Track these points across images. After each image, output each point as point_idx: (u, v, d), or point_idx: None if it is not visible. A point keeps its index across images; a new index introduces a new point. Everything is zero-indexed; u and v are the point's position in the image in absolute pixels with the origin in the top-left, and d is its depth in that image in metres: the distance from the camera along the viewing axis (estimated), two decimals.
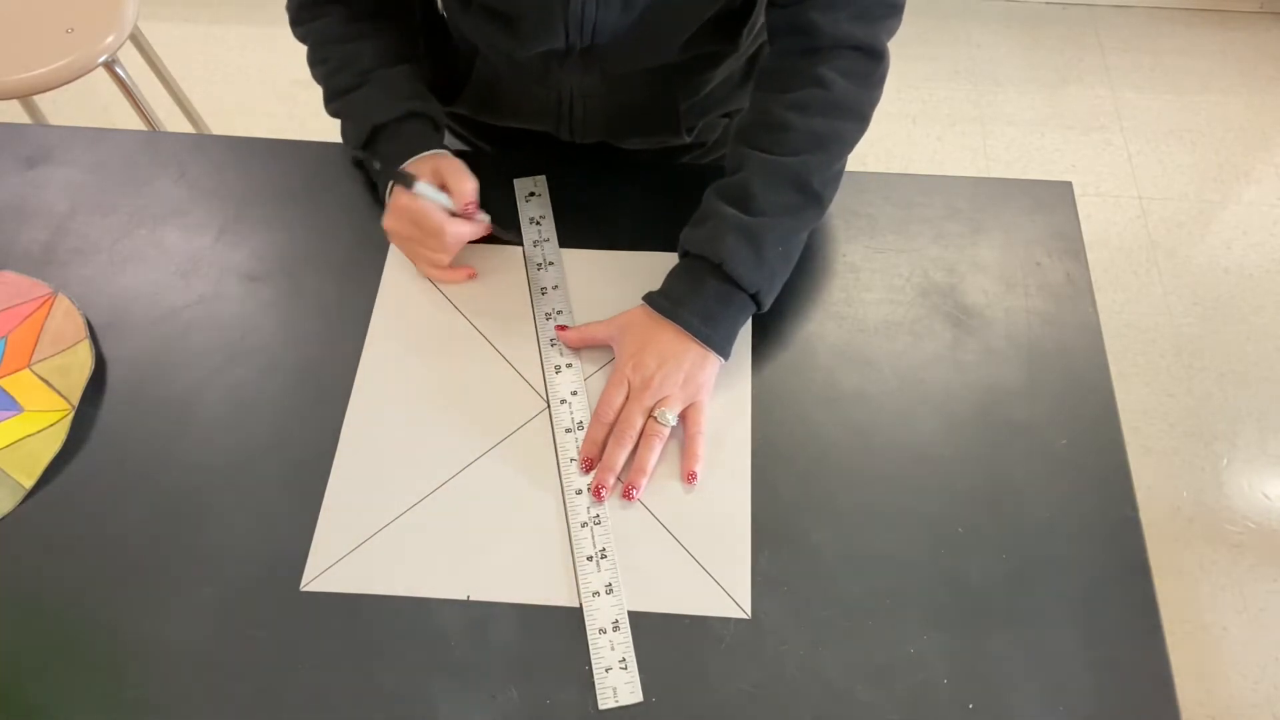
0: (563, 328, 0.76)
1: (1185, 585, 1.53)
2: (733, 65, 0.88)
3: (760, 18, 0.84)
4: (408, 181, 0.74)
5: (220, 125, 2.12)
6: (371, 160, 0.80)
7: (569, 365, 0.75)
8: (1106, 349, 0.76)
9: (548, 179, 0.86)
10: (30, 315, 0.78)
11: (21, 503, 0.70)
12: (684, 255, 0.74)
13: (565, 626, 0.64)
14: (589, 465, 0.70)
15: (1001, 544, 0.67)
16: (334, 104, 0.81)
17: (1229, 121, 2.16)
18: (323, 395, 0.74)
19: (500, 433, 0.72)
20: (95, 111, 2.19)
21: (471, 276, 0.79)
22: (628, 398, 0.71)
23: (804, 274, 0.80)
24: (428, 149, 0.78)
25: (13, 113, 1.63)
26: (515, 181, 0.86)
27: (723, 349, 0.72)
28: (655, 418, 0.70)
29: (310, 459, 0.71)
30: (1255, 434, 1.69)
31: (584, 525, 0.67)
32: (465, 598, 0.65)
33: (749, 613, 0.64)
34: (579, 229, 0.83)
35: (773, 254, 0.72)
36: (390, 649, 0.63)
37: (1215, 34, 2.33)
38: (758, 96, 0.76)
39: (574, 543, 0.67)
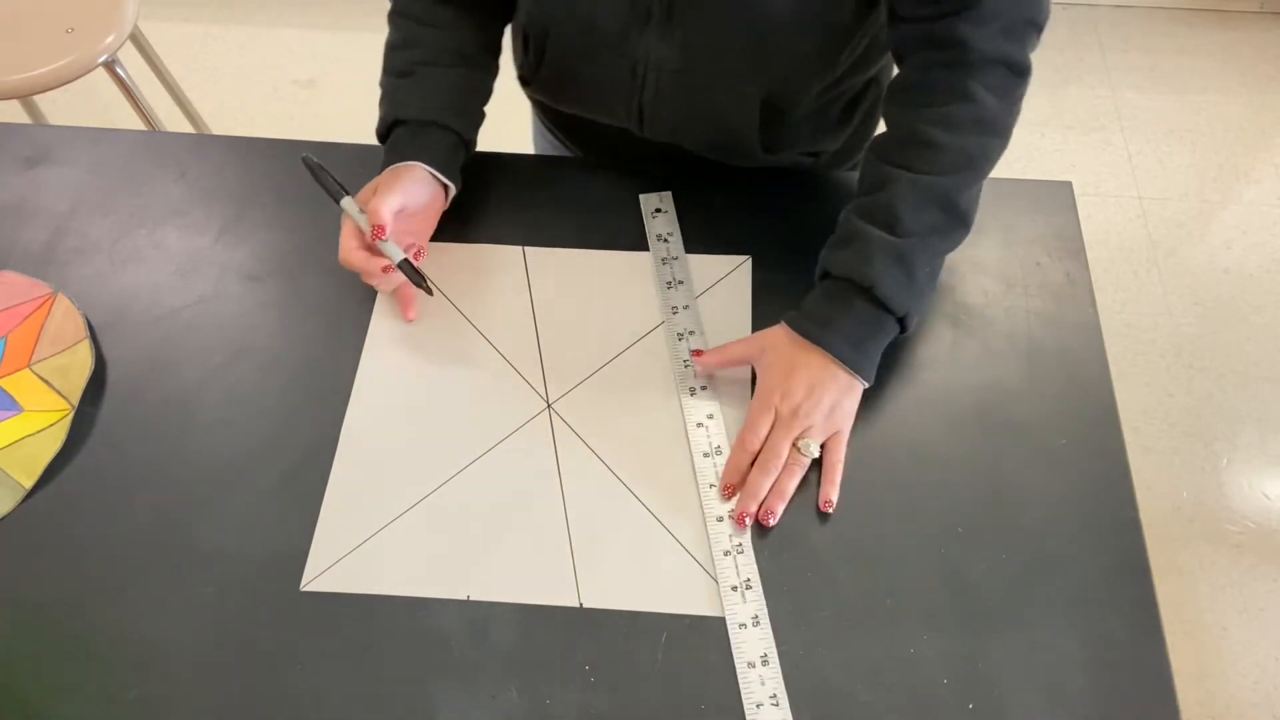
0: (698, 352, 0.74)
1: (1185, 585, 1.53)
2: (823, 99, 0.85)
3: (862, 46, 0.81)
4: (335, 195, 0.74)
5: (220, 125, 2.12)
6: (387, 152, 0.79)
7: (704, 388, 0.74)
8: (1106, 349, 0.76)
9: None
10: (30, 315, 0.78)
11: (21, 503, 0.70)
12: (825, 277, 0.72)
13: (565, 626, 0.64)
14: (731, 492, 0.69)
15: (1001, 544, 0.67)
16: (382, 79, 0.81)
17: (1229, 121, 2.16)
18: (322, 395, 0.74)
19: (500, 433, 0.72)
20: (95, 111, 2.19)
21: (408, 319, 0.78)
22: (773, 425, 0.69)
23: (804, 274, 0.80)
24: (431, 162, 0.76)
25: (13, 113, 1.63)
26: (641, 197, 0.85)
27: (869, 375, 0.70)
28: (799, 448, 0.68)
29: (310, 459, 0.71)
30: (1255, 434, 1.69)
31: (727, 554, 0.66)
32: (465, 598, 0.65)
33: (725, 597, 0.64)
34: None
35: (922, 275, 0.70)
36: (390, 649, 0.63)
37: (1215, 34, 2.33)
38: (895, 111, 0.74)
39: (718, 572, 0.65)
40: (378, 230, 0.72)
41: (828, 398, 0.69)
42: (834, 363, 0.69)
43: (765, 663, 0.62)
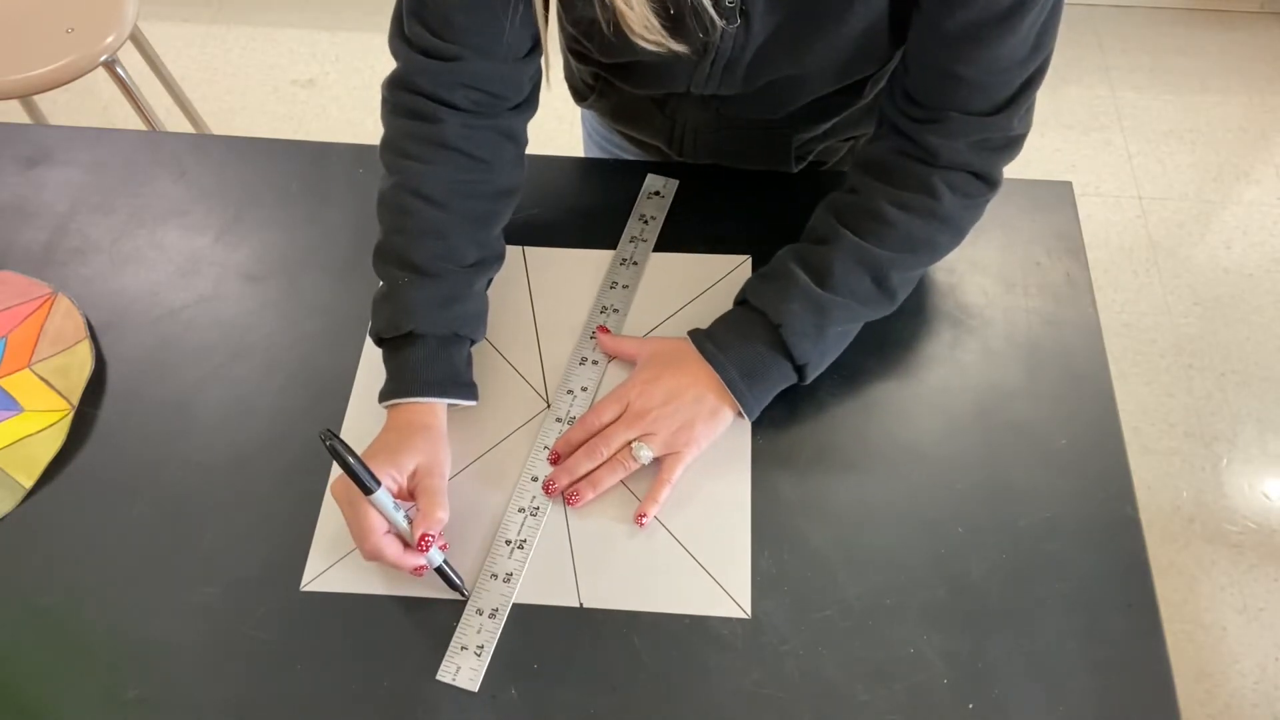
0: (604, 329, 0.76)
1: (1185, 585, 1.53)
2: (853, 108, 0.86)
3: (888, 71, 0.80)
4: (367, 488, 0.60)
5: (220, 125, 2.12)
6: (388, 359, 0.70)
7: (594, 363, 0.75)
8: (1106, 349, 0.76)
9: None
10: (30, 315, 0.78)
11: (21, 503, 0.70)
12: (741, 303, 0.72)
13: (565, 626, 0.64)
14: (555, 459, 0.70)
15: (1001, 544, 0.67)
16: (386, 267, 0.70)
17: (1229, 121, 2.16)
18: (322, 395, 0.74)
19: (500, 433, 0.72)
20: (95, 111, 2.19)
21: (417, 573, 0.65)
22: (619, 418, 0.69)
23: None
24: (460, 393, 0.69)
25: (13, 113, 1.63)
26: (649, 176, 0.86)
27: (749, 408, 0.69)
28: (632, 450, 0.68)
29: (310, 458, 0.71)
30: (1255, 434, 1.69)
31: (521, 510, 0.68)
32: (465, 598, 0.65)
33: (749, 613, 0.64)
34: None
35: (832, 333, 0.70)
36: (390, 649, 0.63)
37: (1215, 34, 2.33)
38: (859, 179, 0.74)
39: (503, 523, 0.67)
40: (425, 541, 0.63)
41: (683, 413, 0.69)
42: (714, 383, 0.69)
43: (493, 616, 0.64)
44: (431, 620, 0.64)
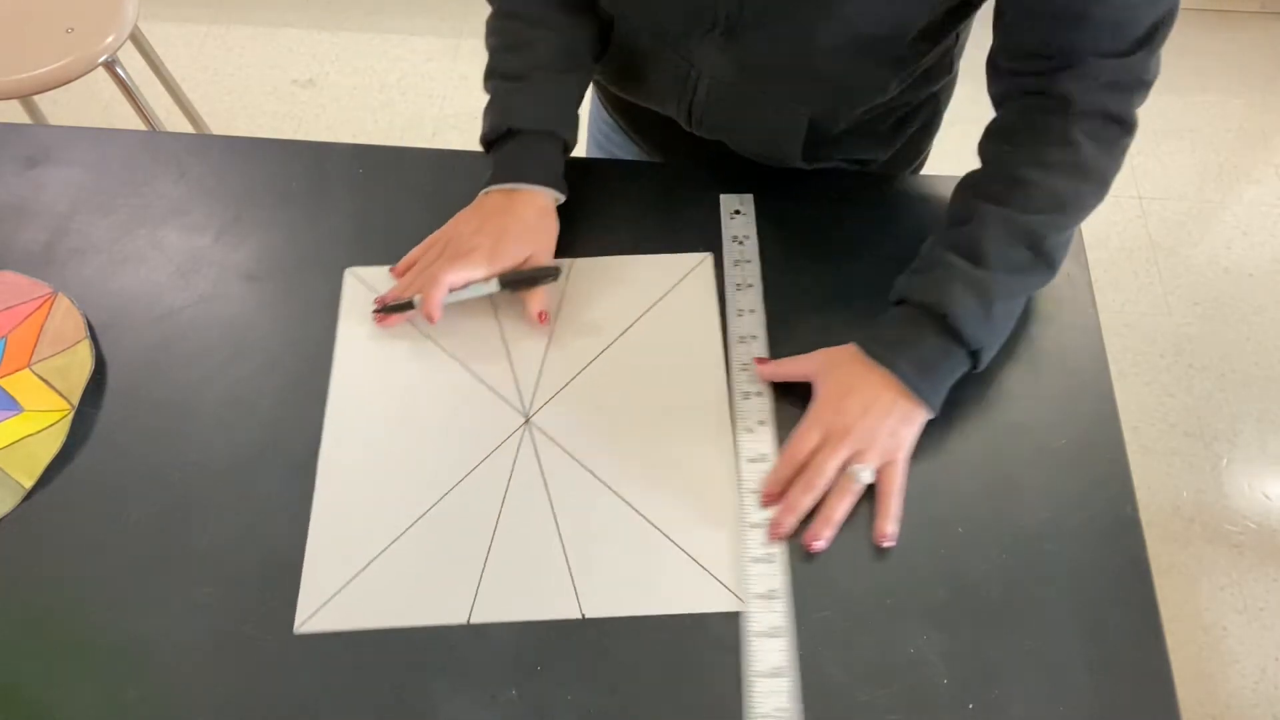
0: (761, 360, 0.74)
1: (1185, 585, 1.53)
2: (871, 114, 0.85)
3: (917, 73, 0.81)
4: (506, 282, 0.75)
5: (220, 125, 2.12)
6: (494, 156, 0.79)
7: (758, 394, 0.73)
8: (1106, 349, 0.76)
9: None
10: (30, 315, 0.78)
11: (21, 503, 0.70)
12: (899, 303, 0.71)
13: (566, 627, 0.64)
14: (770, 500, 0.67)
15: (1001, 544, 0.67)
16: (490, 82, 0.80)
17: (1229, 121, 2.16)
18: (322, 395, 0.74)
19: (480, 452, 0.71)
20: (95, 111, 2.19)
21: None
22: (823, 442, 0.67)
23: (804, 272, 0.80)
24: (548, 180, 0.78)
25: (13, 113, 1.63)
26: (722, 198, 0.84)
27: (934, 404, 0.68)
28: (850, 474, 0.67)
29: (309, 458, 0.71)
30: (1255, 434, 1.69)
31: (756, 561, 0.66)
32: (465, 621, 0.65)
33: (746, 601, 0.64)
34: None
35: (999, 311, 0.68)
36: (391, 648, 0.63)
37: (1215, 34, 2.33)
38: (992, 150, 0.73)
39: (747, 579, 0.65)
40: (430, 316, 0.74)
41: (885, 422, 0.67)
42: (897, 386, 0.68)
43: (777, 675, 0.62)
44: (431, 620, 0.64)
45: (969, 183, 0.73)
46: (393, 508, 0.69)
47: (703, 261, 0.81)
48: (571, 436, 0.72)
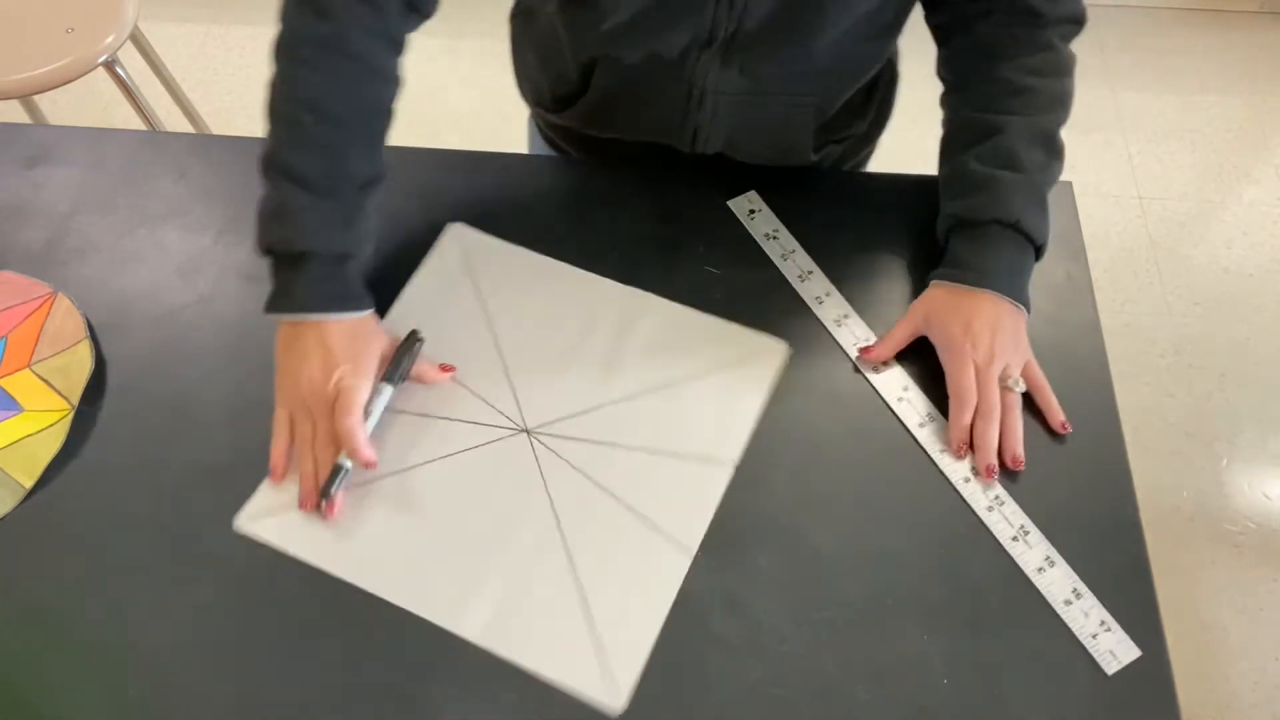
0: (866, 349, 0.75)
1: (1185, 585, 1.53)
2: (876, 67, 0.87)
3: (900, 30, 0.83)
4: (393, 380, 0.71)
5: (220, 125, 2.12)
6: (279, 272, 0.71)
7: (886, 364, 0.75)
8: (1106, 349, 0.76)
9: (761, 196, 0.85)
10: (30, 315, 0.78)
11: (21, 503, 0.70)
12: (958, 226, 0.76)
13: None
14: (963, 450, 0.71)
15: (1001, 544, 0.67)
16: (278, 179, 0.70)
17: (1229, 121, 2.16)
18: None
19: (469, 442, 0.71)
20: (95, 111, 2.19)
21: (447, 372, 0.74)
22: (976, 373, 0.72)
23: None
24: (348, 309, 0.71)
25: (13, 113, 1.63)
26: (730, 203, 0.84)
27: (1028, 302, 0.74)
28: (1009, 386, 0.71)
29: None
30: (1255, 434, 1.69)
31: (990, 509, 0.68)
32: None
33: (618, 708, 0.61)
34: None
35: (1045, 202, 0.76)
36: (392, 649, 0.63)
37: (1215, 34, 2.33)
38: (982, 66, 0.78)
39: (991, 527, 0.67)
40: (370, 464, 0.68)
41: (1009, 330, 0.73)
42: (1000, 300, 0.73)
43: (1079, 596, 0.64)
44: (432, 620, 0.64)
45: (969, 101, 0.79)
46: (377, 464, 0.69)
47: (776, 348, 0.76)
48: (557, 465, 0.70)
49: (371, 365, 0.70)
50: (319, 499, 0.67)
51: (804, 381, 0.74)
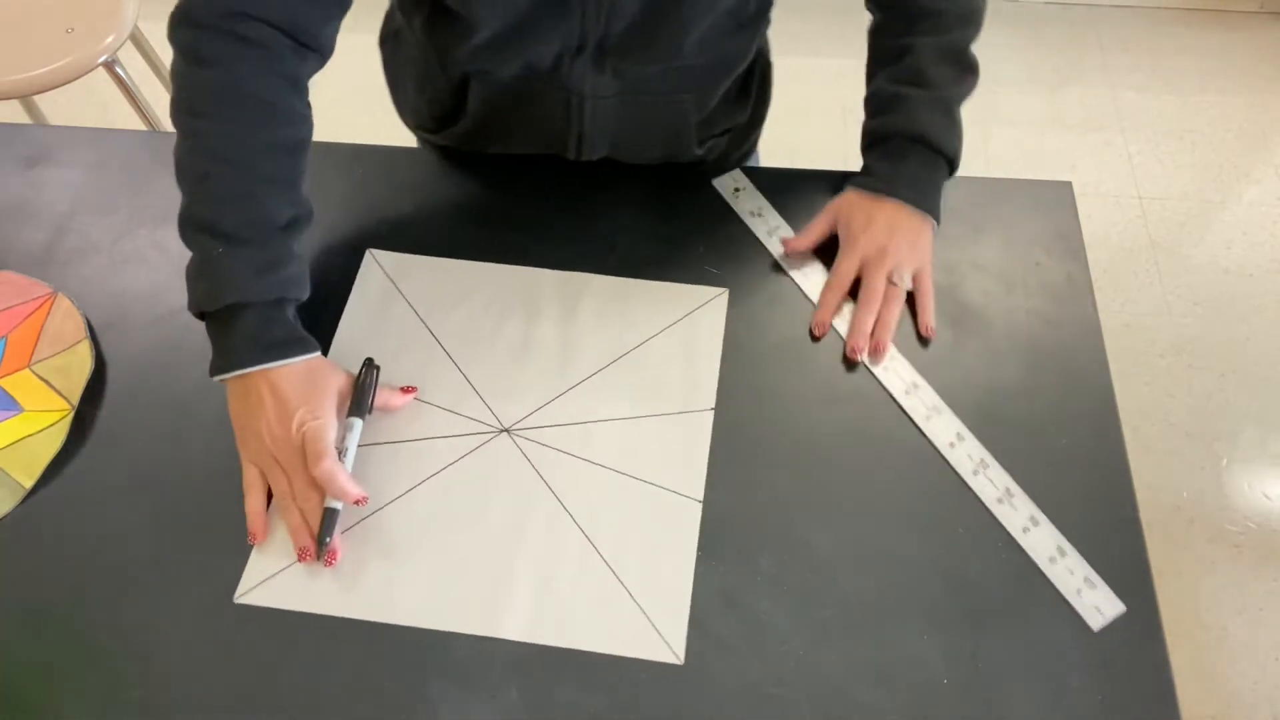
0: (787, 240, 0.81)
1: (1185, 585, 1.53)
2: (744, 65, 0.88)
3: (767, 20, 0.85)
4: (362, 412, 0.69)
5: None
6: (214, 332, 0.69)
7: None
8: (1106, 349, 0.76)
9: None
10: (30, 315, 0.78)
11: (21, 503, 0.70)
12: (874, 143, 0.81)
13: None
14: (823, 329, 0.76)
15: (1001, 544, 0.67)
16: (196, 236, 0.68)
17: (1229, 121, 2.16)
18: None
19: (454, 455, 0.71)
20: (95, 111, 2.19)
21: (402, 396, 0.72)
22: (863, 266, 0.77)
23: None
24: (292, 354, 0.68)
25: (13, 113, 1.63)
26: (715, 181, 0.86)
27: (937, 213, 0.79)
28: (894, 280, 0.76)
29: None
30: (1255, 434, 1.69)
31: (976, 473, 0.69)
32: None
33: (681, 658, 0.63)
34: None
35: (957, 118, 0.81)
36: (391, 648, 0.63)
37: (1215, 34, 2.33)
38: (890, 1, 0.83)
39: (978, 492, 0.69)
40: (360, 500, 0.66)
41: (907, 234, 0.78)
42: (905, 209, 0.78)
43: (1063, 554, 0.66)
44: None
45: (883, 31, 0.84)
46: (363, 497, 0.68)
47: (718, 296, 0.79)
48: (545, 455, 0.71)
49: (331, 404, 0.68)
50: (317, 549, 0.65)
51: (797, 374, 0.75)
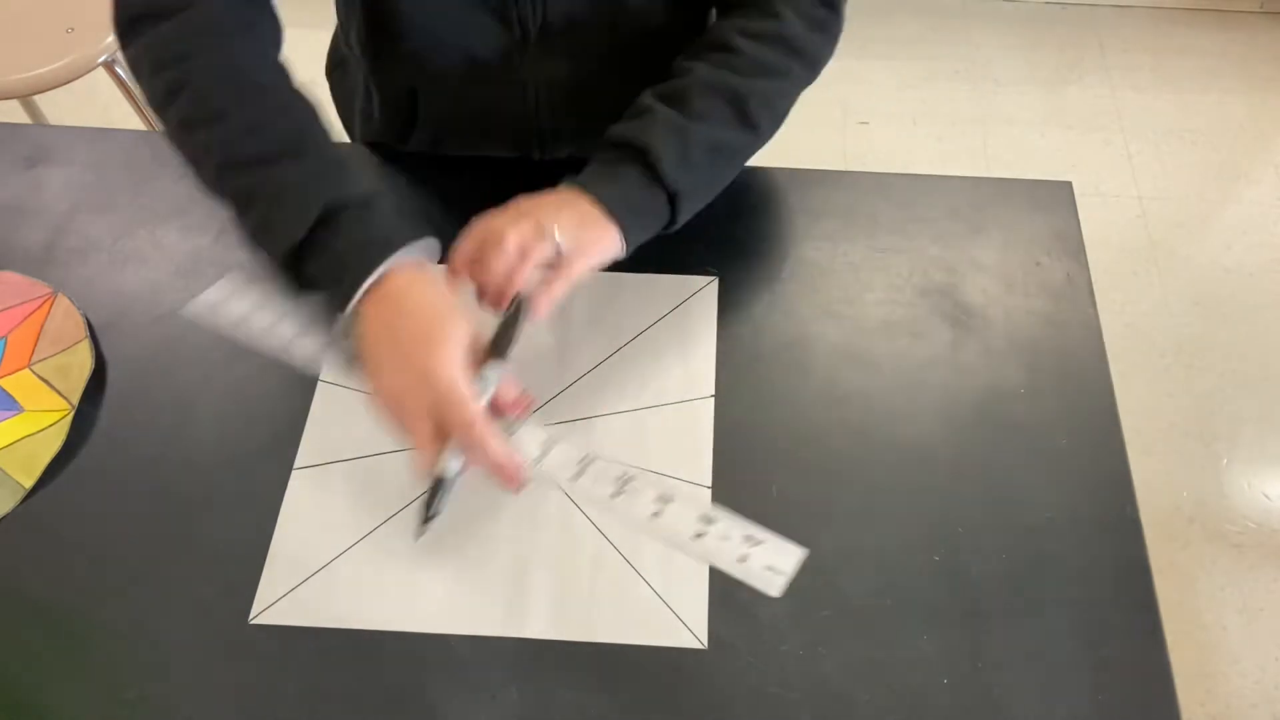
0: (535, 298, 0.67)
1: (1185, 585, 1.53)
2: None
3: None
4: (501, 350, 0.62)
5: None
6: (318, 256, 0.62)
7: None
8: (1106, 349, 0.76)
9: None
10: (30, 315, 0.78)
11: (21, 503, 0.70)
12: (603, 144, 0.71)
13: None
14: (454, 273, 0.65)
15: (1001, 544, 0.67)
16: (238, 181, 0.64)
17: (1229, 121, 2.16)
18: None
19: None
20: (95, 111, 2.18)
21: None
22: (509, 221, 0.65)
23: (804, 273, 0.80)
24: (407, 240, 0.63)
25: (13, 113, 1.63)
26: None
27: (627, 236, 0.67)
28: (541, 227, 0.63)
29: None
30: (1255, 434, 1.69)
31: (536, 461, 0.68)
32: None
33: (705, 643, 0.63)
34: None
35: (699, 157, 0.69)
36: (390, 648, 0.63)
37: (1215, 34, 2.33)
38: (712, 25, 0.77)
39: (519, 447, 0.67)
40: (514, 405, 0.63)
41: (574, 217, 0.66)
42: (596, 208, 0.67)
43: (710, 521, 0.65)
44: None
45: (687, 51, 0.75)
46: (364, 509, 0.68)
47: (708, 285, 0.79)
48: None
49: (459, 345, 0.61)
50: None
51: (796, 371, 0.75)
